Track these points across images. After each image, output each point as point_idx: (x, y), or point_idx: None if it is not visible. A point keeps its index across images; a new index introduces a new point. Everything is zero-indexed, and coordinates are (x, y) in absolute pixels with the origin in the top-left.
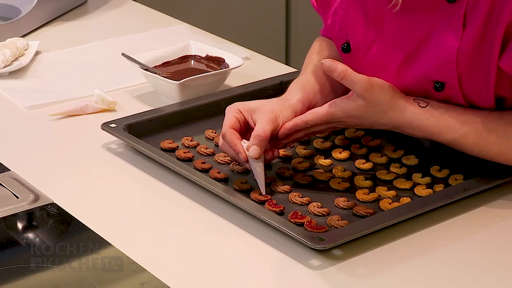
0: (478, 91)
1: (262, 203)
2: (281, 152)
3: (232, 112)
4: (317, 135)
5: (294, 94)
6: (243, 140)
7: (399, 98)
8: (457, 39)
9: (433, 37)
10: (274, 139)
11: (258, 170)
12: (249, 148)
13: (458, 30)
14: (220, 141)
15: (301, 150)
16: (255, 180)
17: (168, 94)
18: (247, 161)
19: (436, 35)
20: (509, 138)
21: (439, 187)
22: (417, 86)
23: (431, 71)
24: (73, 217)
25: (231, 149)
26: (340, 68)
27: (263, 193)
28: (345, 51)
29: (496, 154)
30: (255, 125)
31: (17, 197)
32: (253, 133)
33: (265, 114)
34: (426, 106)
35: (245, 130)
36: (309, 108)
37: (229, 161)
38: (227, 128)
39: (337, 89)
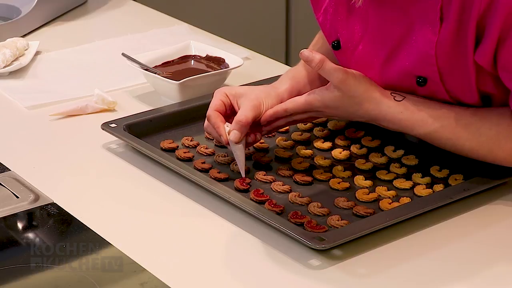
0: (461, 86)
1: (262, 202)
2: (281, 152)
3: (219, 96)
4: (317, 136)
5: (283, 83)
6: (227, 123)
7: (375, 91)
8: (435, 33)
9: (414, 32)
10: (257, 126)
11: (238, 153)
12: (230, 132)
13: (435, 25)
14: (205, 122)
15: (301, 150)
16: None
17: (168, 94)
18: (228, 143)
19: (415, 29)
20: (482, 134)
21: (439, 187)
22: (401, 82)
23: (413, 66)
24: (73, 217)
25: (214, 131)
26: (317, 59)
27: (243, 175)
28: (335, 48)
29: (469, 149)
30: (239, 109)
31: (17, 197)
32: (235, 118)
33: (249, 101)
34: (401, 100)
35: (230, 113)
36: None
37: (229, 161)
38: (212, 110)
39: (327, 81)
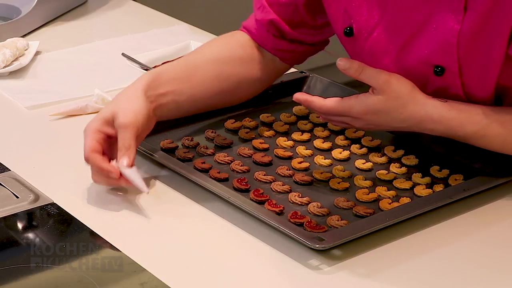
0: (478, 79)
1: (261, 203)
2: (281, 152)
3: (92, 136)
4: (317, 136)
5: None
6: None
7: (418, 92)
8: (458, 22)
9: (434, 19)
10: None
11: (133, 175)
12: (120, 160)
13: (459, 13)
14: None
15: (301, 150)
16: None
17: None
18: (121, 175)
19: (437, 17)
20: None
21: (439, 187)
22: (417, 70)
23: (431, 55)
24: (73, 217)
25: (100, 173)
26: (356, 64)
27: (146, 191)
28: (347, 35)
29: None
30: (118, 134)
31: (17, 197)
32: (120, 146)
33: (125, 128)
34: (445, 101)
35: (109, 144)
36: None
37: (229, 161)
38: (89, 153)
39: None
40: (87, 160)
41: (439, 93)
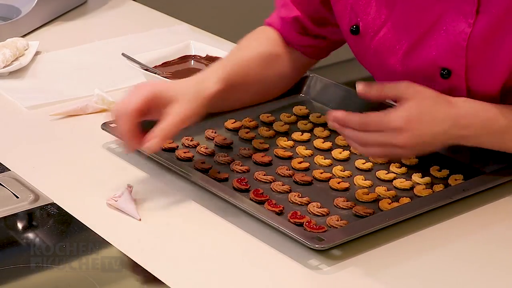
0: (483, 82)
1: (261, 203)
2: (281, 152)
3: (145, 93)
4: (317, 136)
5: (212, 82)
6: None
7: (442, 93)
8: (469, 25)
9: (444, 21)
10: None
11: (126, 203)
12: (148, 141)
13: (470, 16)
14: (116, 112)
15: (301, 150)
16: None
17: None
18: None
19: (447, 19)
20: None
21: (439, 187)
22: (423, 72)
23: (439, 57)
24: (73, 217)
25: (122, 127)
26: (376, 85)
27: (138, 218)
28: (354, 33)
29: None
30: (165, 113)
31: (17, 197)
32: (162, 126)
33: (179, 113)
34: (467, 99)
35: (147, 112)
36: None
37: (229, 161)
38: (132, 109)
39: (265, 89)
40: (123, 113)
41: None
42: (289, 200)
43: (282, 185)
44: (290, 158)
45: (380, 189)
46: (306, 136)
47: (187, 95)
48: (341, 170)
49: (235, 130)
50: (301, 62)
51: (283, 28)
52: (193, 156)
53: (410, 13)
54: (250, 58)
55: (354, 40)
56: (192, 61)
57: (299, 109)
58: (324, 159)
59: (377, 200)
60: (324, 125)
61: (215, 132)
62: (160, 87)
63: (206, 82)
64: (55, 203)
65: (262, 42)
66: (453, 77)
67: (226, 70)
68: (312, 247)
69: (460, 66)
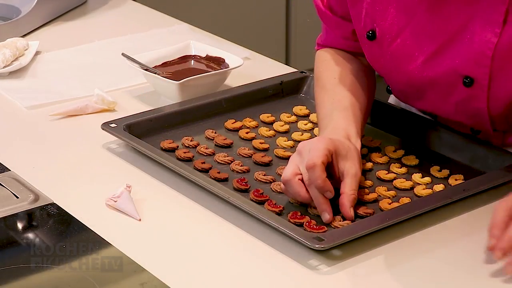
0: (506, 92)
1: (261, 203)
2: (281, 152)
3: (326, 148)
4: (317, 136)
5: (355, 139)
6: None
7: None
8: (496, 34)
9: (469, 30)
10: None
11: (126, 203)
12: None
13: (497, 26)
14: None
15: None
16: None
17: (168, 94)
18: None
19: (472, 28)
20: None
21: (439, 187)
22: (444, 79)
23: (462, 65)
24: (73, 217)
25: (313, 187)
26: (505, 237)
27: (138, 218)
28: (370, 38)
29: None
30: (339, 172)
31: (17, 197)
32: (346, 193)
33: (355, 177)
34: None
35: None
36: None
37: (229, 161)
38: (320, 162)
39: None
40: (314, 166)
41: (462, 104)
42: (289, 200)
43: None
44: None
45: (380, 189)
46: (306, 136)
47: (353, 153)
48: None
49: (235, 130)
50: (370, 67)
51: (348, 45)
52: (193, 156)
53: (433, 21)
54: (358, 96)
55: (369, 45)
56: (192, 61)
57: (299, 109)
58: None
59: (377, 200)
60: None
61: (215, 132)
62: (333, 145)
63: (352, 139)
64: (55, 203)
65: (348, 71)
66: (475, 85)
67: (357, 124)
68: (312, 247)
69: (484, 75)
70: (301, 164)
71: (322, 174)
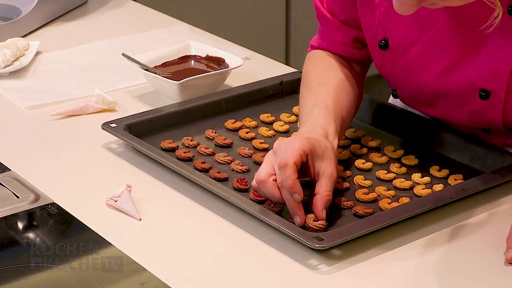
0: None
1: (261, 202)
2: None
3: (299, 151)
4: None
5: (332, 132)
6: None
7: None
8: None
9: (487, 45)
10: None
11: (126, 204)
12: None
13: None
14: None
15: None
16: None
17: (168, 94)
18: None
19: (490, 43)
20: None
21: (438, 187)
22: (459, 91)
23: (479, 79)
24: (73, 217)
25: (279, 183)
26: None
27: (138, 218)
28: (382, 48)
29: None
30: (315, 172)
31: (18, 197)
32: (321, 194)
33: (331, 178)
34: None
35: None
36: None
37: (229, 161)
38: (292, 162)
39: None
40: (286, 166)
41: (475, 114)
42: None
43: None
44: None
45: (380, 189)
46: None
47: (331, 153)
48: (341, 170)
49: (235, 130)
50: (362, 72)
51: (345, 51)
52: (193, 156)
53: (450, 34)
54: (342, 98)
55: (380, 54)
56: (192, 61)
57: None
58: None
59: (377, 200)
60: None
61: (215, 132)
62: (309, 146)
63: (330, 137)
64: (55, 203)
65: (337, 73)
66: (491, 99)
67: (336, 123)
68: (312, 247)
69: (501, 89)
70: (276, 163)
71: (293, 175)
